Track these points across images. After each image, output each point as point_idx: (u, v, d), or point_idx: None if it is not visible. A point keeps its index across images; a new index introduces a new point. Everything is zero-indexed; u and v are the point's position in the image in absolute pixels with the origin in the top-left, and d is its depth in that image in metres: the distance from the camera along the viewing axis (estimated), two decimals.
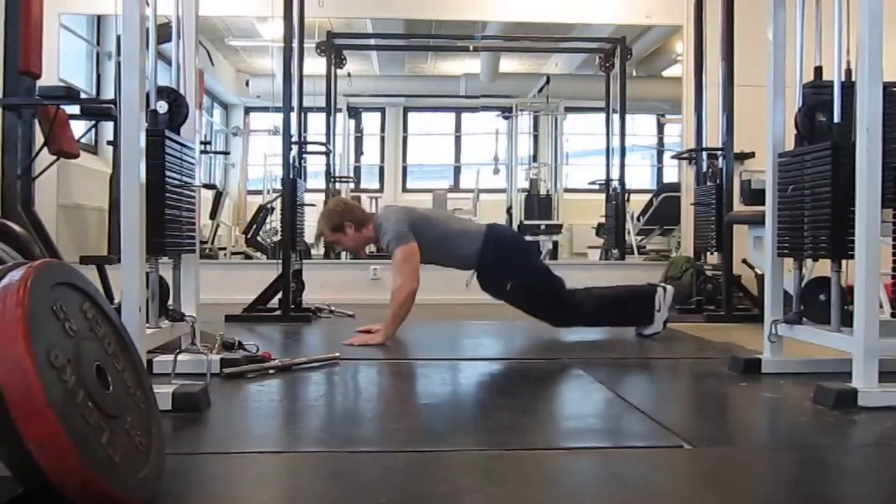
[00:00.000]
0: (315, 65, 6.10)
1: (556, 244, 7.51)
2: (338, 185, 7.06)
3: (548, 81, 7.96)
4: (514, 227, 7.45)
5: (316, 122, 5.89)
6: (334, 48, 6.46)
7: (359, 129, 9.10)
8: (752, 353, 2.72)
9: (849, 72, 2.60)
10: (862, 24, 2.07)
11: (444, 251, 3.44)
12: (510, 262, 3.47)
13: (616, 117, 6.36)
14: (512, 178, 7.95)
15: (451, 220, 3.74)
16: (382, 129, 9.35)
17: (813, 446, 1.75)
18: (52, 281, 1.20)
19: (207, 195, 6.76)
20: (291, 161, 4.24)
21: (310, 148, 4.88)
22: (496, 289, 3.49)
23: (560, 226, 7.68)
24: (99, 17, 6.01)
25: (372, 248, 7.77)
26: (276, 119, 4.90)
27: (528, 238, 3.81)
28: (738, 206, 4.52)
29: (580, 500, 1.37)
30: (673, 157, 6.02)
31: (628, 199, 6.50)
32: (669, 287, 3.51)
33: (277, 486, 1.48)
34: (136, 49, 1.96)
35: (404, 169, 9.34)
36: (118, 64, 5.10)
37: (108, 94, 5.90)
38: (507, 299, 3.49)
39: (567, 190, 8.15)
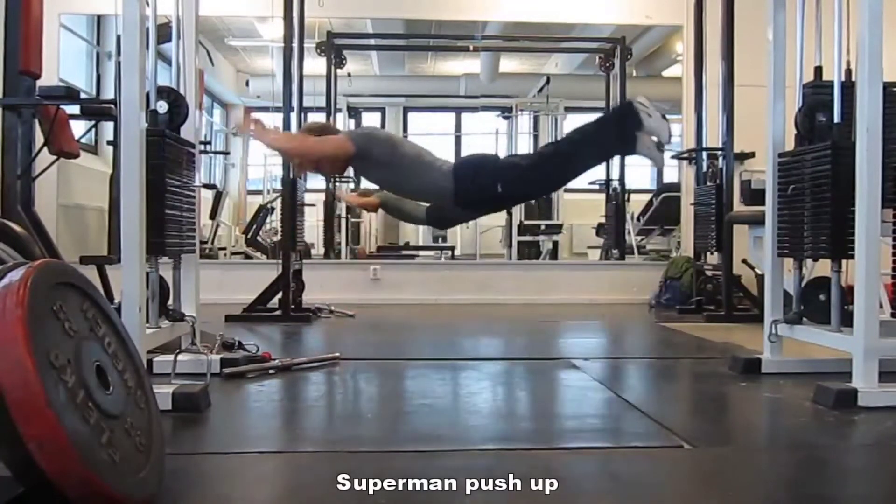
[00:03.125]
0: (315, 65, 6.10)
1: (556, 244, 7.51)
2: (338, 185, 7.06)
3: (548, 81, 7.96)
4: (514, 227, 7.45)
5: None
6: (334, 48, 6.46)
7: None
8: (752, 353, 2.71)
9: (849, 72, 2.60)
10: (862, 24, 2.07)
11: (414, 176, 3.23)
12: (488, 171, 3.32)
13: None
14: None
15: (421, 150, 3.57)
16: None
17: (813, 446, 1.76)
18: (52, 281, 1.20)
19: (207, 195, 6.76)
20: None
21: None
22: (487, 199, 3.34)
23: (560, 226, 7.68)
24: (99, 17, 6.01)
25: (372, 247, 7.76)
26: (277, 119, 4.90)
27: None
28: (738, 206, 4.52)
29: (580, 500, 1.37)
30: (673, 157, 6.01)
31: (628, 199, 6.50)
32: (641, 97, 3.24)
33: (277, 486, 1.48)
34: (136, 49, 1.96)
35: None
36: (118, 64, 5.09)
37: (108, 94, 5.90)
38: (502, 200, 3.35)
39: (567, 190, 8.14)
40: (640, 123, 2.94)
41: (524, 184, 3.26)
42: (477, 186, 3.22)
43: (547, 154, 3.29)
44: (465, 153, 3.69)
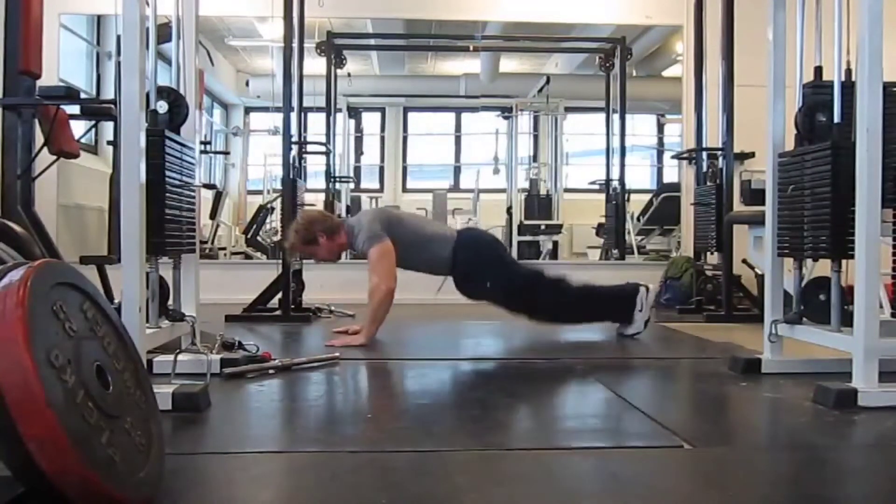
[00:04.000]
0: (315, 65, 6.10)
1: (556, 244, 7.51)
2: (338, 185, 7.07)
3: (548, 81, 7.96)
4: (515, 226, 7.47)
5: (316, 122, 5.89)
6: (334, 48, 6.46)
7: (359, 129, 9.11)
8: (752, 353, 2.71)
9: (849, 72, 2.60)
10: (862, 24, 2.07)
11: (417, 254, 3.34)
12: (485, 262, 3.40)
13: (616, 117, 6.36)
14: (512, 178, 7.96)
15: (424, 222, 3.67)
16: (382, 129, 9.36)
17: (813, 446, 1.75)
18: (52, 281, 1.20)
19: (207, 195, 6.76)
20: (291, 161, 4.24)
21: (310, 148, 4.88)
22: (475, 290, 3.44)
23: (560, 226, 7.69)
24: (99, 17, 6.01)
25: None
26: (276, 119, 4.90)
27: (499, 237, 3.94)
28: (738, 206, 4.52)
29: (580, 500, 1.37)
30: (673, 157, 6.02)
31: (628, 199, 6.50)
32: (652, 286, 3.49)
33: (277, 486, 1.48)
34: (136, 49, 1.96)
35: (404, 169, 9.34)
36: (118, 64, 5.09)
37: (108, 94, 5.90)
38: (487, 298, 3.45)
39: (567, 190, 8.16)
40: (631, 317, 3.41)
41: (512, 295, 3.38)
42: (471, 274, 3.34)
43: (554, 289, 3.47)
44: (472, 232, 3.90)
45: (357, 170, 9.04)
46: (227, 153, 8.35)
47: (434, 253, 3.38)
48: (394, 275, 3.22)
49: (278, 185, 5.62)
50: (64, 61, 5.51)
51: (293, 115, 4.35)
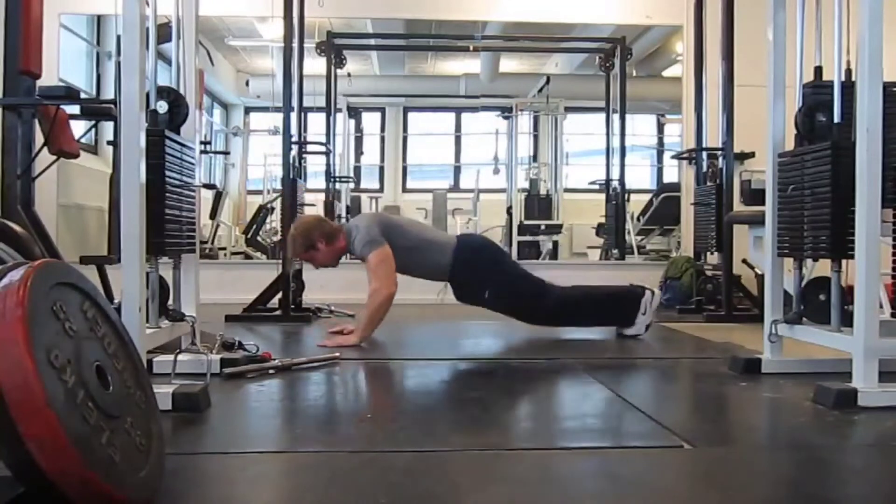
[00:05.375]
0: (315, 65, 6.10)
1: (556, 244, 7.52)
2: (338, 185, 7.07)
3: (548, 81, 7.96)
4: (515, 226, 7.47)
5: (316, 122, 5.89)
6: (334, 48, 6.46)
7: (359, 129, 9.11)
8: (752, 353, 2.71)
9: (849, 72, 2.60)
10: (862, 24, 2.07)
11: (415, 260, 3.34)
12: (484, 270, 3.41)
13: (616, 117, 6.36)
14: (512, 178, 7.95)
15: (423, 228, 3.65)
16: (382, 129, 9.35)
17: (813, 446, 1.75)
18: (52, 281, 1.20)
19: (207, 195, 6.76)
20: (291, 161, 4.24)
21: (310, 148, 4.88)
22: (474, 297, 3.45)
23: (560, 226, 7.69)
24: (99, 17, 6.01)
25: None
26: (276, 119, 4.91)
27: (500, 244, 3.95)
28: (738, 206, 4.52)
29: (580, 500, 1.37)
30: (673, 157, 6.02)
31: (628, 199, 6.50)
32: (658, 292, 3.50)
33: (277, 486, 1.48)
34: (136, 49, 1.96)
35: (404, 169, 9.34)
36: (118, 64, 5.09)
37: (108, 94, 5.91)
38: (487, 306, 3.46)
39: (567, 190, 8.16)
40: (633, 320, 3.41)
41: (511, 304, 3.39)
42: (469, 283, 3.35)
43: (555, 298, 3.48)
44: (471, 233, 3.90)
45: (357, 170, 9.04)
46: (227, 153, 8.35)
47: (433, 259, 3.38)
48: (394, 279, 3.22)
49: (278, 185, 5.62)
50: (64, 61, 5.51)
51: (293, 115, 4.35)
